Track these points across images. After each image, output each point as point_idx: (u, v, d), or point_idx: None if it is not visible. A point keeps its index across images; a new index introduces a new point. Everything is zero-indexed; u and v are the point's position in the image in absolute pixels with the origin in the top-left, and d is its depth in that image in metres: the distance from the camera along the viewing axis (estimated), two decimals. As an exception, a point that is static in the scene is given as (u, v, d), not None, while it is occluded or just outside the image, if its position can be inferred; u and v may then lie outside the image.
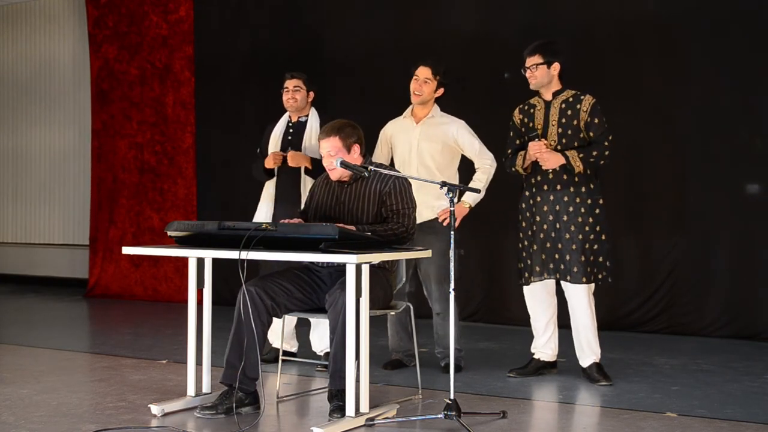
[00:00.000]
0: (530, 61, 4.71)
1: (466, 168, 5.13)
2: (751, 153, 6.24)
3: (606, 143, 4.65)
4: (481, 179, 4.99)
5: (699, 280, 6.34)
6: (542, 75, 4.70)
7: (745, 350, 5.77)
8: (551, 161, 4.64)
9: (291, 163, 4.98)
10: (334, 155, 4.11)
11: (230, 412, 3.85)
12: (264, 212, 5.18)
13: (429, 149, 4.97)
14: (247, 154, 7.63)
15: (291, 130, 5.17)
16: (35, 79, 10.46)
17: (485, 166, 5.00)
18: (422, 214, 4.85)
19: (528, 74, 4.73)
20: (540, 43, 4.75)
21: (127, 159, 9.00)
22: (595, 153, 4.63)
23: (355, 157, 4.18)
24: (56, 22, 10.27)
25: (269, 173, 5.14)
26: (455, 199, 4.98)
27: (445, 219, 4.92)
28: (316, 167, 4.91)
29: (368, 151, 4.36)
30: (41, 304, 8.58)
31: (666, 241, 6.45)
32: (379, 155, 5.14)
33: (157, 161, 8.82)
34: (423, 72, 4.99)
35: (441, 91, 5.03)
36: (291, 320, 5.20)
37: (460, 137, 5.00)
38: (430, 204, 4.91)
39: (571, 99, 4.73)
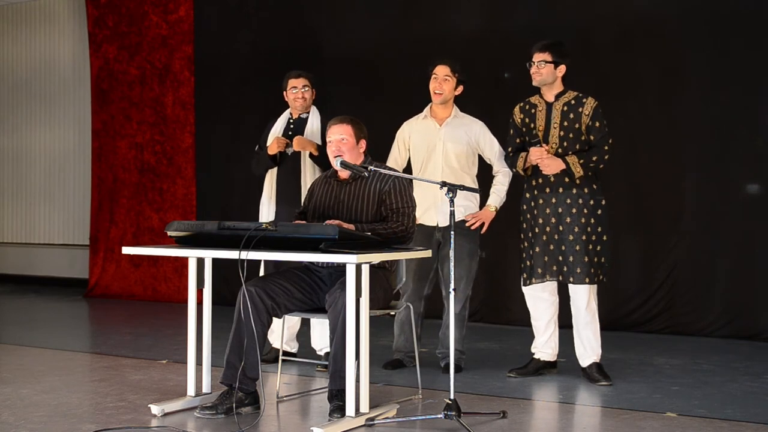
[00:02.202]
0: (539, 57, 4.70)
1: (477, 164, 5.13)
2: (751, 153, 6.24)
3: (606, 147, 4.66)
4: (504, 182, 5.01)
5: (699, 280, 6.34)
6: (548, 73, 4.69)
7: (745, 350, 5.77)
8: (552, 167, 4.64)
9: (296, 147, 4.99)
10: (346, 141, 4.14)
11: (230, 412, 3.85)
12: (266, 212, 5.18)
13: (455, 150, 4.95)
14: (246, 153, 7.61)
15: (292, 126, 5.18)
16: (35, 79, 10.46)
17: (504, 169, 5.00)
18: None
19: (533, 70, 4.72)
20: (551, 41, 4.75)
21: (127, 159, 9.00)
22: (594, 158, 4.64)
23: (361, 151, 4.21)
24: (56, 22, 10.27)
25: (273, 160, 5.13)
26: (470, 203, 5.03)
27: (474, 223, 4.93)
28: (322, 153, 4.89)
29: (377, 152, 4.36)
30: (41, 304, 8.58)
31: (666, 241, 6.45)
32: (397, 157, 5.12)
33: (156, 161, 8.82)
34: (442, 70, 4.97)
35: (461, 88, 5.02)
36: (294, 324, 5.20)
37: (482, 138, 5.00)
38: (457, 204, 4.90)
39: (573, 101, 4.72)
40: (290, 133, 5.16)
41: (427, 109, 5.08)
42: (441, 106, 5.01)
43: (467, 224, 4.94)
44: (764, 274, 6.16)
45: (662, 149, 6.50)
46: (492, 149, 5.02)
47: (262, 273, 4.95)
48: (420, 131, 5.05)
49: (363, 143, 4.23)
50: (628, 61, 6.60)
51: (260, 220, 4.52)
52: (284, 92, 5.21)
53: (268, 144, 5.14)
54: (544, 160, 4.64)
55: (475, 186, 5.01)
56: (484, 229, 5.01)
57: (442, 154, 4.96)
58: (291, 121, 5.21)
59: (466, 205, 4.94)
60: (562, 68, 4.73)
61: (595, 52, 6.62)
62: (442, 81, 4.96)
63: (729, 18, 6.29)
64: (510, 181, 5.03)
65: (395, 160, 5.12)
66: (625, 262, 6.48)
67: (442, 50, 6.95)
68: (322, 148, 4.93)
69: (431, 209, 4.91)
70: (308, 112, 5.19)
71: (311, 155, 5.00)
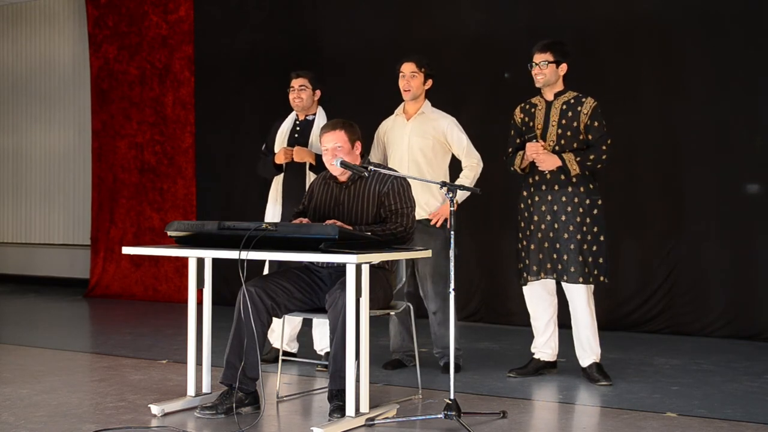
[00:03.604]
0: (540, 57, 4.70)
1: (455, 167, 5.12)
2: (751, 153, 6.24)
3: (604, 147, 4.65)
4: (468, 176, 4.98)
5: (699, 280, 6.34)
6: (550, 73, 4.70)
7: (745, 350, 5.77)
8: (547, 163, 4.64)
9: (296, 158, 5.01)
10: (341, 148, 4.11)
11: (230, 412, 3.85)
12: (272, 212, 5.18)
13: (420, 145, 4.96)
14: (247, 153, 7.63)
15: (298, 128, 5.18)
16: (35, 79, 10.46)
17: (472, 164, 4.99)
18: (419, 212, 4.87)
19: (536, 71, 4.72)
20: (552, 41, 4.75)
21: (127, 159, 9.01)
22: (592, 157, 4.63)
23: (357, 154, 4.20)
24: (56, 22, 10.27)
25: (278, 168, 5.14)
26: (436, 200, 5.02)
27: (437, 222, 4.93)
28: (320, 163, 4.92)
29: (365, 152, 4.37)
30: (41, 304, 8.58)
31: (666, 241, 6.45)
32: (375, 155, 5.15)
33: (157, 161, 8.82)
34: (408, 67, 5.00)
35: (430, 82, 5.04)
36: (296, 325, 5.20)
37: (449, 133, 4.99)
38: (423, 202, 4.91)
39: (572, 101, 4.73)
40: (296, 136, 5.16)
41: (399, 107, 5.12)
42: (412, 102, 5.03)
43: (432, 223, 4.93)
44: (764, 274, 6.16)
45: (662, 149, 6.50)
46: (460, 144, 4.99)
47: (266, 272, 4.95)
48: (391, 128, 5.09)
49: (358, 145, 4.20)
50: (627, 61, 6.60)
51: (266, 221, 4.52)
52: None
53: (275, 148, 5.15)
54: (540, 155, 4.64)
55: (447, 179, 4.98)
56: (440, 223, 4.94)
57: (408, 149, 4.96)
58: (297, 122, 5.21)
59: (428, 201, 4.93)
60: (564, 67, 4.73)
61: (595, 53, 6.62)
62: (410, 78, 4.98)
63: (728, 18, 6.29)
64: (476, 175, 4.98)
65: (373, 160, 5.10)
66: (625, 262, 6.48)
67: (443, 50, 6.98)
68: (320, 157, 4.95)
69: None
70: (314, 114, 5.20)
71: (311, 166, 5.01)
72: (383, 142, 5.14)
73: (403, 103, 5.10)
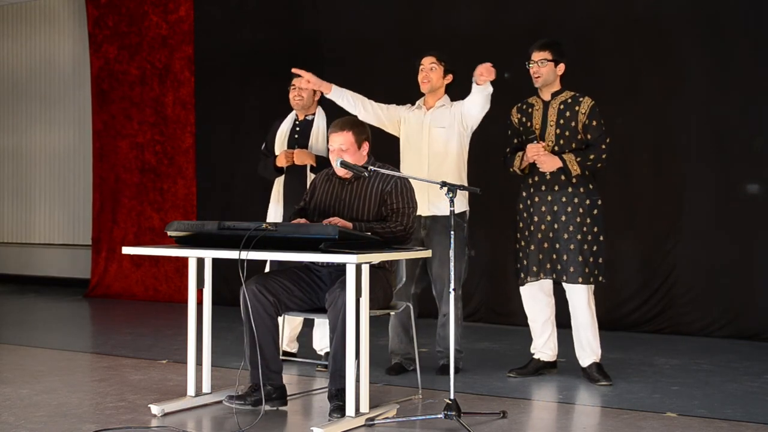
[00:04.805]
0: (539, 56, 4.70)
1: (476, 165, 5.10)
2: (751, 153, 6.24)
3: (603, 146, 4.65)
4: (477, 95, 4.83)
5: (699, 280, 6.34)
6: (548, 72, 4.70)
7: (745, 350, 5.77)
8: (548, 164, 4.64)
9: (296, 161, 4.99)
10: (346, 150, 4.11)
11: (258, 404, 3.88)
12: (274, 212, 5.17)
13: (439, 134, 4.90)
14: (247, 153, 7.64)
15: (297, 129, 5.16)
16: (35, 79, 10.46)
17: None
18: (440, 208, 4.82)
19: (534, 69, 4.72)
20: (550, 40, 4.76)
21: (128, 159, 9.01)
22: (592, 156, 4.63)
23: (364, 154, 4.20)
24: (56, 22, 10.27)
25: (279, 171, 5.13)
26: (455, 199, 5.00)
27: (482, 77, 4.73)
28: (321, 165, 4.91)
29: (377, 152, 4.35)
30: (41, 304, 8.58)
31: (666, 241, 6.45)
32: (382, 109, 5.06)
33: (157, 161, 8.82)
34: (427, 60, 4.97)
35: (450, 77, 5.00)
36: (296, 325, 5.20)
37: (461, 104, 4.90)
38: (438, 203, 4.87)
39: (569, 100, 4.73)
40: (296, 136, 5.14)
41: (420, 100, 5.07)
42: (431, 95, 4.98)
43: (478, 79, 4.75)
44: (764, 274, 6.16)
45: (662, 149, 6.50)
46: (467, 100, 4.88)
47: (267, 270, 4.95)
48: (410, 119, 5.02)
49: (365, 146, 4.20)
50: (627, 61, 6.60)
51: (267, 221, 4.52)
52: None
53: (274, 149, 5.14)
54: (541, 156, 4.64)
55: (464, 174, 4.95)
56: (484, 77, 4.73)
57: (427, 140, 4.91)
58: (297, 123, 5.19)
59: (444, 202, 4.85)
60: (561, 66, 4.74)
61: (595, 53, 6.62)
62: (429, 71, 4.95)
63: (728, 17, 6.29)
64: (483, 99, 4.80)
65: (381, 111, 5.03)
66: (625, 262, 6.47)
67: (443, 50, 6.96)
68: (321, 159, 4.94)
69: (423, 202, 4.86)
70: (314, 114, 5.18)
71: (311, 167, 5.00)
72: (399, 118, 5.03)
73: (423, 97, 5.06)
